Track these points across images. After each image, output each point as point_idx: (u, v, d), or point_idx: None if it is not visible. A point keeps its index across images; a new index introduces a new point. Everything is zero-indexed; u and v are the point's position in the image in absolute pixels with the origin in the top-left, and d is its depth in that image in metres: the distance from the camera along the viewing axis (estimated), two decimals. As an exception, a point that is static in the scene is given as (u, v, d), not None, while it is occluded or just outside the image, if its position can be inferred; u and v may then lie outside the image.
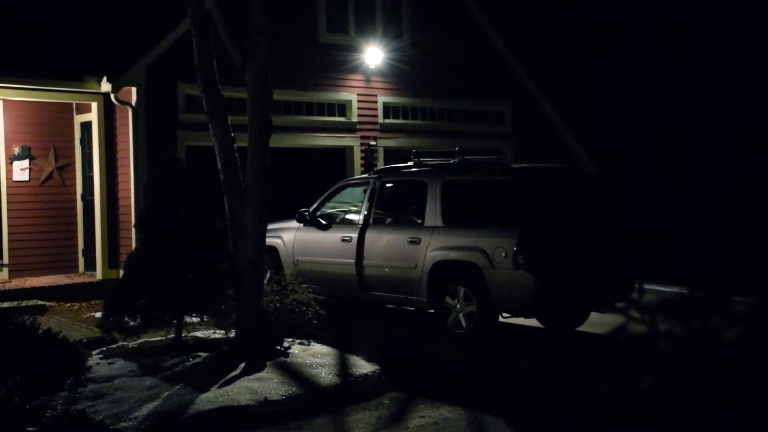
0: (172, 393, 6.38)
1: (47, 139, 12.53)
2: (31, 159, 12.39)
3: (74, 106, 12.66)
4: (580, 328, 9.23)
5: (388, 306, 10.10)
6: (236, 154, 8.00)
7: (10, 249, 12.11)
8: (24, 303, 10.49)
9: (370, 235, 9.67)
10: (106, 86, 11.61)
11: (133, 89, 11.72)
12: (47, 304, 10.75)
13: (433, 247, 8.95)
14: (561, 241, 8.35)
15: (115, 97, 11.61)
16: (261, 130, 7.96)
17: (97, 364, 7.23)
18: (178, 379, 6.74)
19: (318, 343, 8.12)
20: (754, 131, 17.72)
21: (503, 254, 8.18)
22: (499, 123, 16.54)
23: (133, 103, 11.73)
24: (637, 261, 8.78)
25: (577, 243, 8.46)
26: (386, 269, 9.44)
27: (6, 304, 10.22)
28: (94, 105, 12.07)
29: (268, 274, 10.51)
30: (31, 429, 5.48)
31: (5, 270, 12.04)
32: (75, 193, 12.80)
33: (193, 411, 6.00)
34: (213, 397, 6.27)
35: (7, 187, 12.18)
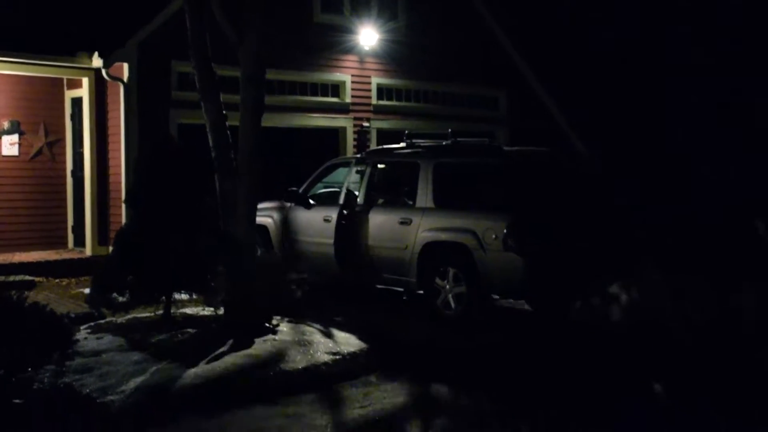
0: (160, 368, 6.37)
1: (37, 114, 12.44)
2: (21, 134, 12.30)
3: (65, 81, 12.56)
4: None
5: (378, 287, 10.11)
6: (228, 133, 7.96)
7: (-1, 224, 12.06)
8: (12, 278, 10.45)
9: (360, 216, 9.66)
10: (97, 62, 11.52)
11: (125, 65, 11.64)
12: (36, 279, 10.71)
13: (424, 228, 8.95)
14: (551, 225, 8.36)
15: (107, 73, 11.52)
16: (253, 109, 7.93)
17: (85, 338, 7.22)
18: (166, 354, 6.74)
19: (307, 321, 8.13)
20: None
21: (493, 236, 8.19)
22: (493, 108, 16.52)
23: (125, 80, 11.65)
24: (632, 244, 8.81)
25: (568, 227, 8.47)
26: (376, 250, 9.44)
27: (-6, 279, 10.17)
28: (85, 80, 11.98)
29: (259, 253, 10.51)
30: (17, 401, 5.48)
31: (-6, 245, 11.99)
32: (65, 169, 12.74)
33: (180, 386, 6.00)
34: (201, 373, 6.26)
35: (-3, 161, 12.11)
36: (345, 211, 9.78)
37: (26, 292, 6.81)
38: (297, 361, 6.69)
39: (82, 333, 7.44)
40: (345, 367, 6.75)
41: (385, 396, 6.13)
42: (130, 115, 11.69)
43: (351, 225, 9.69)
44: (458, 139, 9.48)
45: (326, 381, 6.46)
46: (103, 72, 11.52)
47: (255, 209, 8.03)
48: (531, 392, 6.29)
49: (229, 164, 7.88)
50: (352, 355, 7.00)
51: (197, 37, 7.87)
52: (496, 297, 8.88)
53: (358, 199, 9.76)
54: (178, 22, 9.30)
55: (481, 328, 8.40)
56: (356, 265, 9.67)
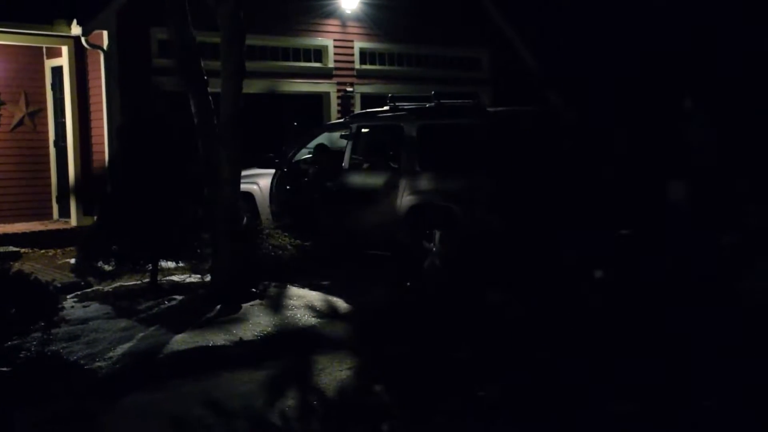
0: (147, 334, 6.41)
1: (17, 84, 12.29)
2: (1, 104, 12.17)
3: (44, 50, 12.40)
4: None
5: (367, 251, 10.13)
6: (210, 99, 7.90)
7: (-18, 196, 11.98)
8: (-3, 249, 10.41)
9: (346, 180, 9.66)
10: (76, 29, 11.37)
11: (105, 33, 11.50)
12: (21, 250, 10.68)
13: (409, 191, 8.95)
14: (536, 186, 8.37)
15: (86, 41, 11.39)
16: (234, 74, 7.86)
17: (72, 307, 7.23)
18: (153, 321, 6.77)
19: (294, 286, 8.16)
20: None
21: (477, 198, 8.21)
22: (477, 69, 16.45)
23: (105, 47, 11.52)
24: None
25: (552, 188, 8.48)
26: (363, 214, 9.45)
27: (-21, 251, 10.13)
28: (64, 49, 11.83)
29: (245, 220, 10.49)
30: (4, 369, 5.50)
31: (-22, 217, 11.92)
32: (47, 140, 12.63)
33: (168, 351, 6.04)
34: (188, 338, 6.30)
35: (-23, 132, 11.99)
36: (330, 176, 9.76)
37: (11, 263, 6.82)
38: (283, 325, 6.73)
39: (69, 302, 7.45)
40: (331, 331, 6.79)
41: (372, 359, 6.17)
42: (111, 83, 11.58)
43: (336, 190, 9.69)
44: (442, 101, 9.45)
45: (313, 345, 6.50)
46: (83, 40, 11.39)
47: (239, 175, 8.01)
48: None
49: (211, 130, 7.84)
50: (339, 318, 7.04)
51: (175, 2, 7.78)
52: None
53: (343, 164, 9.75)
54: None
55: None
56: (343, 230, 9.68)
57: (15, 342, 5.64)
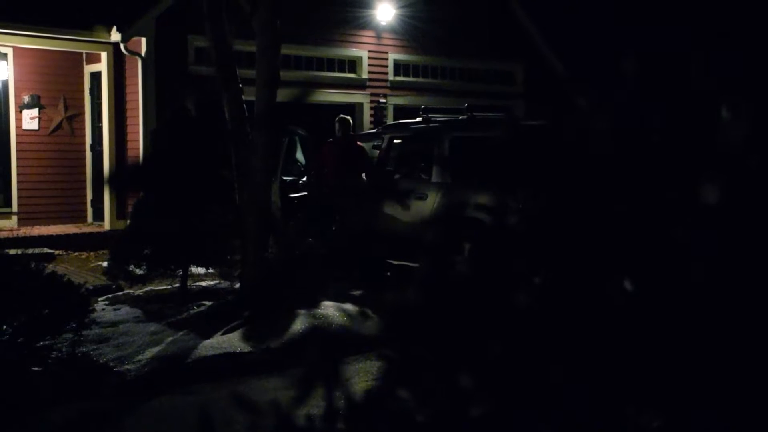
0: (176, 338, 6.45)
1: (57, 88, 12.51)
2: (41, 108, 12.39)
3: (84, 55, 12.62)
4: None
5: (394, 262, 10.12)
6: (244, 106, 7.97)
7: (18, 197, 12.18)
8: (31, 251, 10.54)
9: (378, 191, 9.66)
10: (115, 36, 11.56)
11: (143, 40, 11.67)
12: (55, 252, 10.83)
13: (440, 203, 8.93)
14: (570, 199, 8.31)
15: (125, 47, 11.57)
16: (269, 81, 7.92)
17: (103, 309, 7.31)
18: (182, 325, 6.82)
19: (322, 294, 8.16)
20: None
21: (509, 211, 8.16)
22: (510, 82, 16.41)
23: (143, 54, 11.69)
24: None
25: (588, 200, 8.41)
26: (392, 225, 9.45)
27: (14, 251, 10.29)
28: (103, 55, 12.03)
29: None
30: (36, 369, 5.57)
31: (14, 218, 12.12)
32: (84, 143, 12.82)
33: (195, 356, 6.08)
34: (216, 344, 6.34)
35: (17, 135, 12.20)
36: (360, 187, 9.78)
37: (45, 264, 6.91)
38: (310, 332, 6.73)
39: (100, 304, 7.54)
40: (358, 341, 6.78)
41: (395, 366, 6.15)
42: (148, 90, 11.74)
43: (367, 200, 9.69)
44: (474, 114, 9.44)
45: (340, 354, 6.49)
46: (122, 46, 11.57)
47: (271, 182, 8.06)
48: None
49: (244, 137, 7.90)
50: (366, 328, 7.03)
51: (213, 9, 7.87)
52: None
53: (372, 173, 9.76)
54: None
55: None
56: (374, 240, 9.68)
57: (47, 342, 5.71)
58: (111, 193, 12.05)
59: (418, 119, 10.01)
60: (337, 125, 10.13)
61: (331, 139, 10.14)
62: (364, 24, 14.16)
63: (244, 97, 8.01)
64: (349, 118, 10.32)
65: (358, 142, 10.18)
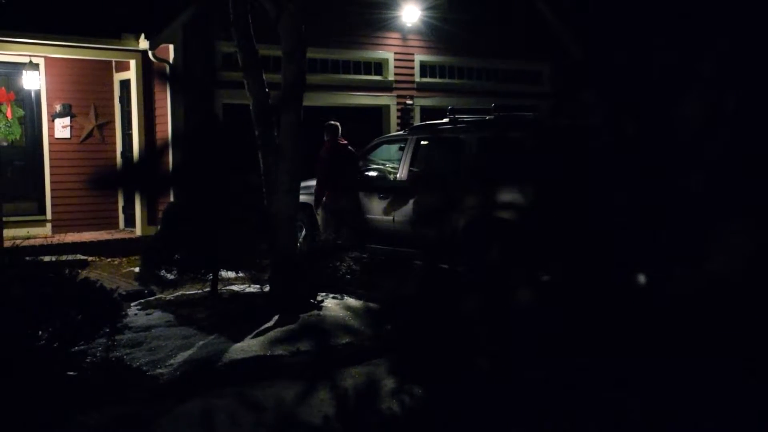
0: (207, 342, 6.51)
1: (87, 97, 12.69)
2: (72, 117, 12.57)
3: (113, 64, 12.78)
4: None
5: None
6: (271, 110, 8.02)
7: (52, 205, 12.37)
8: (65, 257, 10.68)
9: (404, 192, 9.67)
10: (144, 44, 11.69)
11: (171, 47, 11.79)
12: (88, 258, 10.99)
13: (468, 203, 8.91)
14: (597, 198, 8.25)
15: (153, 55, 11.69)
16: (294, 85, 7.97)
17: (135, 314, 7.40)
18: (212, 329, 6.87)
19: (351, 297, 8.19)
20: None
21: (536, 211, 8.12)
22: (538, 82, 16.33)
23: (171, 61, 11.81)
24: None
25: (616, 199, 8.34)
26: (419, 226, 9.44)
27: (48, 258, 10.44)
28: (132, 63, 12.18)
29: (303, 231, 10.61)
30: (71, 374, 5.65)
31: (48, 225, 12.31)
32: (115, 151, 12.99)
33: (227, 359, 6.12)
34: (246, 347, 6.38)
35: (50, 144, 12.40)
36: (387, 188, 9.80)
37: (79, 270, 7.01)
38: (340, 335, 6.75)
39: (133, 309, 7.63)
40: (388, 342, 6.79)
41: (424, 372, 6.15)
42: (177, 96, 11.85)
43: (393, 201, 9.71)
44: (501, 114, 9.41)
45: (370, 356, 6.50)
46: (150, 54, 11.70)
47: (298, 186, 8.10)
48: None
49: (271, 141, 7.95)
50: (395, 330, 7.03)
51: (239, 15, 7.94)
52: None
53: (399, 176, 9.77)
54: (221, 3, 9.38)
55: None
56: (399, 241, 9.69)
57: (81, 347, 5.79)
58: (141, 199, 12.19)
59: (445, 120, 10.00)
60: (325, 131, 10.24)
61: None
62: (390, 26, 14.17)
63: (271, 101, 8.07)
64: (337, 123, 10.38)
65: (349, 147, 10.28)
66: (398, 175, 9.84)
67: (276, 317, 7.22)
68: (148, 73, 12.23)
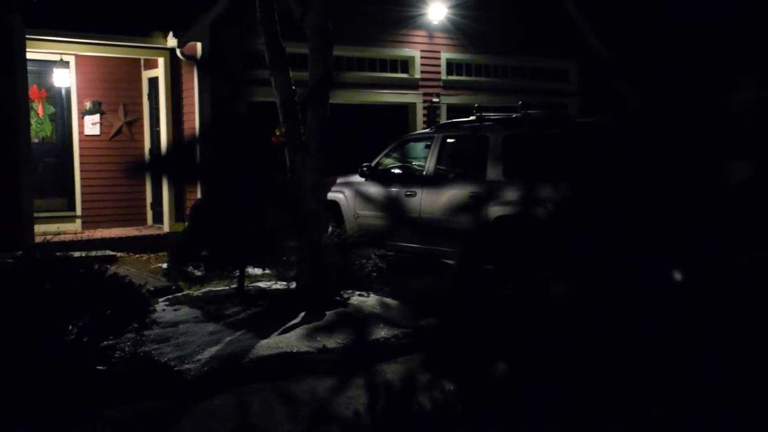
0: (234, 338, 6.55)
1: (117, 94, 12.83)
2: (102, 114, 12.71)
3: (142, 61, 12.90)
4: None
5: (447, 261, 10.10)
6: (297, 107, 8.06)
7: (82, 201, 12.52)
8: (94, 253, 10.82)
9: (431, 190, 9.66)
10: (172, 41, 11.79)
11: (198, 44, 11.88)
12: (117, 254, 11.10)
13: (495, 201, 8.88)
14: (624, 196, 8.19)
15: (181, 52, 11.79)
16: (321, 82, 7.98)
17: (163, 310, 7.47)
18: (239, 325, 6.92)
19: (377, 295, 8.20)
20: None
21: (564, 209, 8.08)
22: (564, 80, 16.23)
23: (198, 58, 11.89)
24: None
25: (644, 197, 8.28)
26: (447, 224, 9.43)
27: (78, 254, 10.57)
28: (160, 60, 12.28)
29: (330, 228, 10.64)
30: (100, 368, 5.72)
31: (78, 221, 12.46)
32: (143, 148, 13.11)
33: (253, 355, 6.16)
34: (273, 343, 6.42)
35: (80, 141, 12.55)
36: (413, 186, 9.79)
37: (108, 266, 7.09)
38: (366, 333, 6.76)
39: (161, 305, 7.70)
40: (413, 341, 6.79)
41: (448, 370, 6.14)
42: (204, 94, 11.94)
43: (420, 199, 9.70)
44: (528, 111, 9.37)
45: (396, 354, 6.51)
46: (178, 51, 11.79)
47: (323, 183, 8.13)
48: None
49: (298, 138, 7.99)
50: (420, 327, 7.03)
51: (266, 13, 7.98)
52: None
53: (426, 173, 9.77)
54: (248, 1, 9.44)
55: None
56: (427, 239, 9.68)
57: (110, 342, 5.86)
58: (170, 196, 12.29)
59: (472, 118, 9.97)
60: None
61: None
62: (416, 24, 14.16)
63: (297, 99, 8.11)
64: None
65: None
66: (424, 173, 9.84)
67: (302, 314, 7.26)
68: (176, 70, 12.33)
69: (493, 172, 9.05)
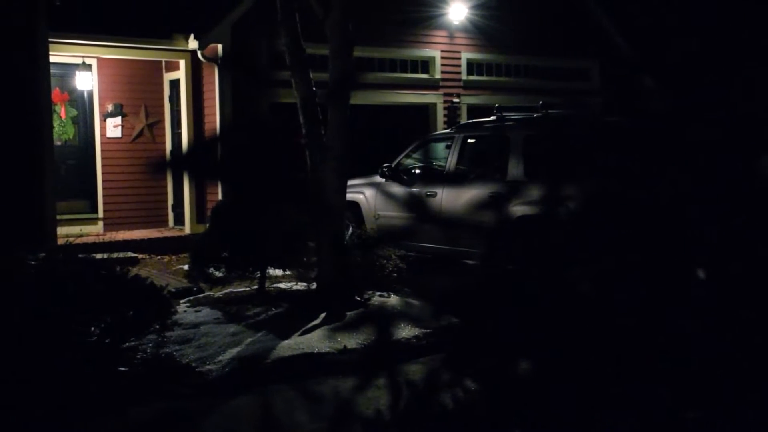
0: (255, 339, 6.55)
1: (138, 96, 12.90)
2: (123, 116, 12.79)
3: (163, 64, 12.97)
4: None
5: (468, 261, 10.04)
6: (318, 108, 8.04)
7: (104, 203, 12.60)
8: (116, 255, 10.88)
9: (452, 190, 9.62)
10: (193, 43, 11.84)
11: (219, 46, 11.92)
12: (139, 256, 11.15)
13: (515, 201, 8.83)
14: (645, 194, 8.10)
15: (202, 54, 11.83)
16: (341, 83, 7.95)
17: (185, 311, 7.48)
18: (260, 326, 6.92)
19: (398, 295, 8.17)
20: None
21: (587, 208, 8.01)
22: (586, 79, 16.12)
23: (219, 60, 11.93)
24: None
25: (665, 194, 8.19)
26: (469, 224, 9.38)
27: (100, 256, 10.63)
28: (182, 62, 12.34)
29: (350, 229, 10.62)
30: (122, 369, 5.73)
31: (100, 223, 12.55)
32: (165, 150, 13.18)
33: (274, 356, 6.15)
34: (294, 344, 6.40)
35: (102, 143, 12.63)
36: (434, 186, 9.76)
37: (129, 268, 7.12)
38: (387, 334, 6.74)
39: (182, 306, 7.71)
40: (435, 341, 6.75)
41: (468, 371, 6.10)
42: (225, 95, 11.98)
43: (441, 199, 9.67)
44: (549, 111, 9.30)
45: (416, 354, 6.47)
46: (199, 53, 11.84)
47: (344, 183, 8.10)
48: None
49: (318, 139, 7.97)
50: (442, 330, 6.99)
51: (287, 13, 7.98)
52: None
53: (446, 173, 9.73)
54: (269, 2, 9.45)
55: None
56: (447, 239, 9.64)
57: (132, 343, 5.87)
58: (191, 198, 12.33)
59: (492, 118, 9.92)
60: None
61: None
62: (437, 24, 14.12)
63: (318, 100, 8.09)
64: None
65: None
66: (445, 173, 9.79)
67: (323, 315, 7.24)
68: (197, 72, 12.38)
69: (514, 172, 9.00)
